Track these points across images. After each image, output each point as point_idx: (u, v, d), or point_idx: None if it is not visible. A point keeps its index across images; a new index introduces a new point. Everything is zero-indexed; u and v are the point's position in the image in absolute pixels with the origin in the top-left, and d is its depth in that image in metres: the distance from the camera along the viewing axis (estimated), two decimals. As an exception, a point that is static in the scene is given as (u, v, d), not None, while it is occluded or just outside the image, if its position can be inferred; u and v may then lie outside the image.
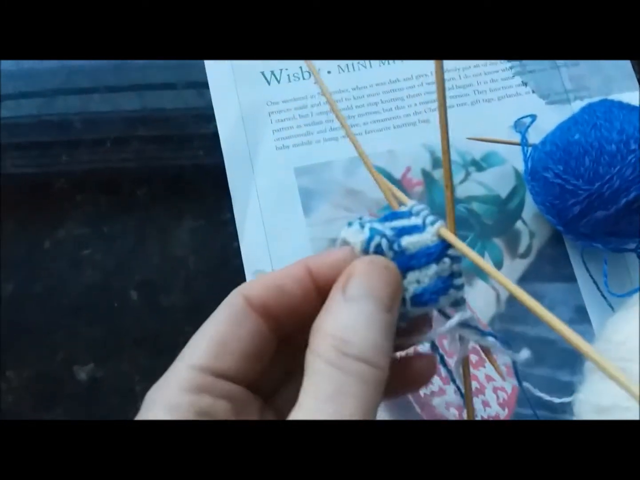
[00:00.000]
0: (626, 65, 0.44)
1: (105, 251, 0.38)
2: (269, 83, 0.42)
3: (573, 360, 0.35)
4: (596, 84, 0.43)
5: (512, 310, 0.38)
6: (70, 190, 0.40)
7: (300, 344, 0.21)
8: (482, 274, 0.39)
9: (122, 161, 0.41)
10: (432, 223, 0.23)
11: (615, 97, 0.40)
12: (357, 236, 0.22)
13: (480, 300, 0.38)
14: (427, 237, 0.23)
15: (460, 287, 0.22)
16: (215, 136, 0.41)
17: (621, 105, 0.35)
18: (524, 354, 0.25)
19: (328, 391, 0.19)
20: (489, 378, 0.37)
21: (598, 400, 0.32)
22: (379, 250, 0.21)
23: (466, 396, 0.27)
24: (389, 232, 0.22)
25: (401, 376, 0.24)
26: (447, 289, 0.22)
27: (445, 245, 0.22)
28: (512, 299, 0.39)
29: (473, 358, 0.37)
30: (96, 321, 0.37)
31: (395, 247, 0.22)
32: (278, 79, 0.42)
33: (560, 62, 0.43)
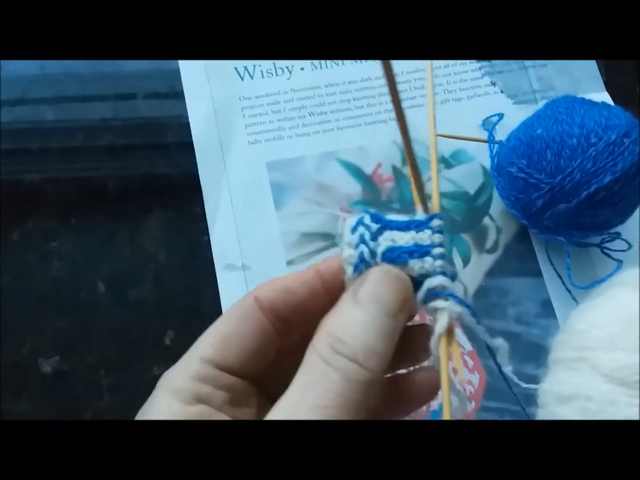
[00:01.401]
0: (592, 67, 0.45)
1: (73, 243, 0.38)
2: (242, 79, 0.43)
3: (538, 353, 0.36)
4: (563, 85, 0.44)
5: (478, 304, 0.39)
6: (40, 182, 0.39)
7: (307, 345, 0.22)
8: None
9: (92, 152, 0.41)
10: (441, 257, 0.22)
11: (582, 97, 0.41)
12: (346, 229, 0.23)
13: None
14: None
15: (438, 257, 0.22)
16: (187, 130, 0.41)
17: (583, 101, 0.35)
18: (500, 342, 0.25)
19: (312, 379, 0.20)
20: (456, 371, 0.37)
21: (561, 389, 0.32)
22: (361, 240, 0.22)
23: (443, 386, 0.24)
24: (373, 226, 0.22)
25: (405, 392, 0.25)
26: (423, 255, 0.22)
27: (429, 218, 0.23)
28: (479, 294, 0.39)
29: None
30: (63, 313, 0.37)
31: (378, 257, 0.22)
32: (251, 74, 0.43)
33: (528, 63, 0.44)
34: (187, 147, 0.41)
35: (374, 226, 0.23)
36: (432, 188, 0.24)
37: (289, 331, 0.24)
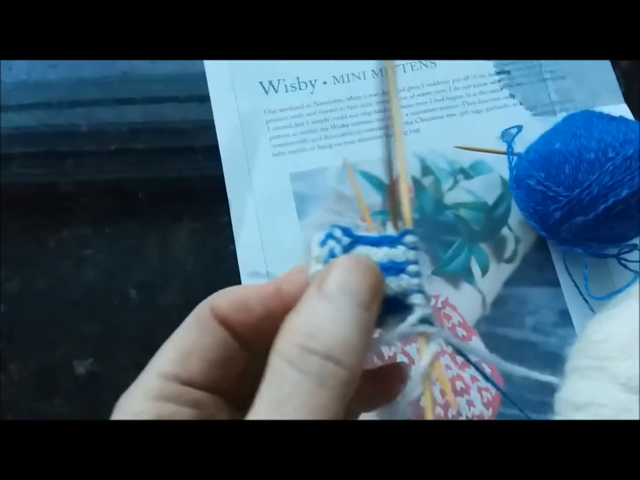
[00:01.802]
0: (611, 78, 0.45)
1: (106, 251, 0.40)
2: (267, 93, 0.44)
3: (555, 362, 0.37)
4: (581, 97, 0.45)
5: (497, 313, 0.40)
6: (75, 193, 0.41)
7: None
8: (469, 278, 0.40)
9: (125, 168, 0.42)
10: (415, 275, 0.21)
11: (600, 109, 0.41)
12: (314, 242, 0.22)
13: (466, 303, 0.40)
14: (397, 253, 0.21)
15: (414, 275, 0.21)
16: (215, 144, 0.42)
17: (601, 116, 0.36)
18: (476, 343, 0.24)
19: (282, 394, 0.17)
20: (473, 378, 0.38)
21: (576, 397, 0.33)
22: (331, 255, 0.21)
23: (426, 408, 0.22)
24: (345, 240, 0.21)
25: (372, 387, 0.23)
26: (398, 273, 0.20)
27: (402, 234, 0.21)
28: (497, 303, 0.40)
29: (459, 359, 0.39)
30: (96, 318, 0.39)
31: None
32: (276, 89, 0.44)
33: (547, 75, 0.45)
34: (214, 158, 0.42)
35: (345, 240, 0.21)
36: (403, 203, 0.22)
37: (253, 344, 0.22)
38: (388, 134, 0.22)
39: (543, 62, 0.45)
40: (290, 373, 0.18)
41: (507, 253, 0.41)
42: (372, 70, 0.45)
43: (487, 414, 0.38)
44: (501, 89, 0.45)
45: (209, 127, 0.43)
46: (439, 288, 0.40)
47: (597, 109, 0.43)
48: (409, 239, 0.21)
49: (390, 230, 0.22)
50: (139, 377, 0.21)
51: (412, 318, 0.21)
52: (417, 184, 0.42)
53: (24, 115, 0.43)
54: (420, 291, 0.21)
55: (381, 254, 0.21)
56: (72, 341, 0.38)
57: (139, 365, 0.38)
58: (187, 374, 0.20)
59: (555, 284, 0.40)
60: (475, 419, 0.38)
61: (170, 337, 0.21)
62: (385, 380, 0.23)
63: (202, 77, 0.44)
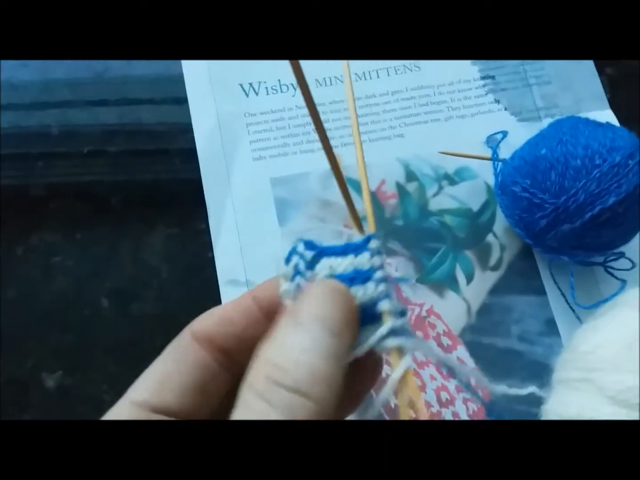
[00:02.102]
0: (596, 84, 0.45)
1: (77, 258, 0.38)
2: (247, 95, 0.43)
3: (541, 372, 0.36)
4: (567, 103, 0.44)
5: (482, 322, 0.39)
6: (45, 197, 0.40)
7: None
8: (454, 286, 0.39)
9: (98, 171, 0.41)
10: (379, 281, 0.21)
11: (585, 115, 0.41)
12: (280, 260, 0.22)
13: (450, 312, 0.39)
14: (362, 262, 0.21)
15: (380, 281, 0.20)
16: (192, 147, 0.41)
17: (587, 122, 0.36)
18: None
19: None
20: (459, 389, 0.37)
21: (563, 410, 0.32)
22: (297, 272, 0.21)
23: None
24: (308, 254, 0.21)
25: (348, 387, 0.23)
26: (365, 281, 0.20)
27: (365, 239, 0.21)
28: (482, 311, 0.39)
29: (443, 369, 0.38)
30: (67, 329, 0.37)
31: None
32: (256, 91, 0.43)
33: (532, 81, 0.45)
34: (192, 162, 0.41)
35: (309, 254, 0.21)
36: (366, 207, 0.22)
37: (236, 366, 0.22)
38: (326, 147, 0.21)
39: (528, 67, 0.45)
40: (258, 404, 0.17)
41: (493, 261, 0.40)
42: (355, 74, 0.44)
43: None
44: (486, 94, 0.44)
45: (186, 130, 0.42)
46: (423, 296, 0.39)
47: (583, 114, 0.43)
48: (373, 244, 0.21)
49: (358, 236, 0.22)
50: (113, 407, 0.21)
51: (382, 330, 0.20)
52: (401, 189, 0.42)
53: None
54: (387, 296, 0.20)
55: (345, 263, 0.21)
56: (42, 353, 0.37)
57: (111, 378, 0.36)
58: (160, 402, 0.20)
59: (541, 292, 0.39)
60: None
61: (150, 366, 0.21)
62: (359, 379, 0.22)
63: (179, 79, 0.43)
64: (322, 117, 0.43)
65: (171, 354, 0.22)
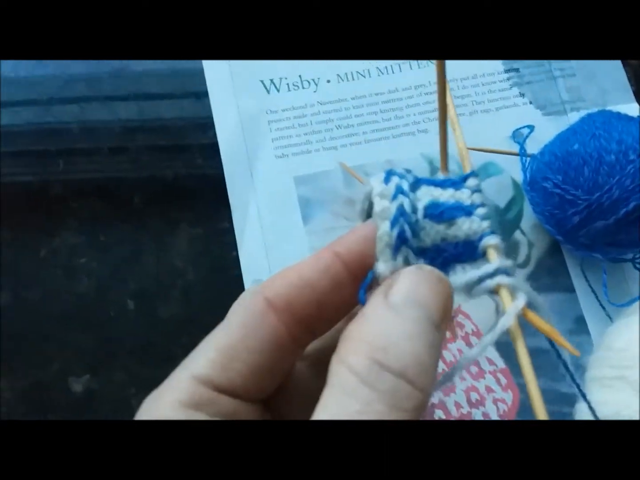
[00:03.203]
0: (622, 77, 0.44)
1: (101, 260, 0.38)
2: (268, 92, 0.42)
3: (574, 371, 0.35)
4: (592, 95, 0.44)
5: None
6: (67, 198, 0.39)
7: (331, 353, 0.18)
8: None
9: (119, 169, 0.40)
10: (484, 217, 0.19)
11: (611, 108, 0.40)
12: (375, 181, 0.19)
13: (479, 311, 0.38)
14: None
15: (485, 218, 0.19)
16: (214, 145, 0.40)
17: (619, 116, 0.35)
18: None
19: (350, 410, 0.16)
20: (489, 389, 0.37)
21: (599, 409, 0.32)
22: (399, 190, 0.18)
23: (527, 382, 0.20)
24: (409, 177, 0.19)
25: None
26: (469, 214, 0.19)
27: (463, 177, 0.20)
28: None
29: (473, 369, 0.37)
30: (91, 331, 0.37)
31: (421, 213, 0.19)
32: (278, 87, 0.42)
33: (557, 73, 0.44)
34: (214, 160, 0.40)
35: (410, 177, 0.19)
36: (460, 147, 0.21)
37: (308, 336, 0.19)
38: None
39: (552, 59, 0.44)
40: (361, 389, 0.16)
41: (521, 258, 0.39)
42: (377, 68, 0.44)
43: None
44: (510, 87, 0.43)
45: (208, 127, 0.41)
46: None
47: (608, 107, 0.42)
48: (472, 182, 0.20)
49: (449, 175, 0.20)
50: (170, 376, 0.18)
51: (490, 266, 0.18)
52: (426, 186, 0.41)
53: (10, 114, 0.41)
54: (493, 232, 0.19)
55: (447, 195, 0.19)
56: (67, 356, 0.36)
57: (138, 381, 0.36)
58: (225, 380, 0.18)
59: (570, 289, 0.39)
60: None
61: (211, 333, 0.18)
62: None
63: (200, 74, 0.42)
64: (345, 113, 0.42)
65: (240, 322, 0.18)
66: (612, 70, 0.44)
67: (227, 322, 0.19)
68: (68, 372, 0.36)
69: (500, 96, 0.43)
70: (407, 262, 0.18)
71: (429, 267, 0.18)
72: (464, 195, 0.19)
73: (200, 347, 0.18)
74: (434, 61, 0.19)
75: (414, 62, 0.44)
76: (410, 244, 0.18)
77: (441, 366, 0.38)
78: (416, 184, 0.19)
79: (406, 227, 0.18)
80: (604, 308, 0.37)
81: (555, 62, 0.44)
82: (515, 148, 0.41)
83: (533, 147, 0.40)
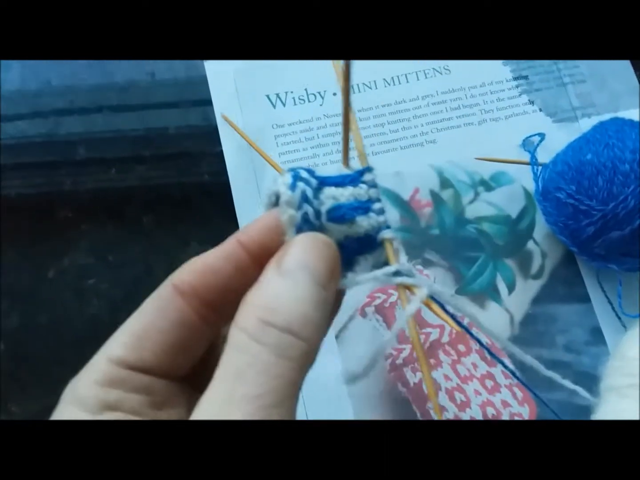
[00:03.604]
0: (632, 81, 0.44)
1: (111, 280, 0.38)
2: (274, 106, 0.42)
3: (589, 382, 0.35)
4: (603, 101, 0.43)
5: (526, 332, 0.38)
6: (75, 218, 0.39)
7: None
8: (495, 296, 0.38)
9: (126, 186, 0.40)
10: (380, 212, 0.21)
11: (622, 114, 0.40)
12: (282, 186, 0.20)
13: (493, 323, 0.38)
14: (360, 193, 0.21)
15: (380, 212, 0.21)
16: (221, 161, 0.40)
17: (632, 124, 0.34)
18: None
19: (242, 363, 0.17)
20: (505, 404, 0.36)
21: (616, 418, 0.31)
22: (304, 199, 0.20)
23: (424, 377, 0.23)
24: (313, 181, 0.20)
25: None
26: (366, 211, 0.21)
27: (360, 172, 0.21)
28: (526, 322, 0.38)
29: (488, 383, 0.37)
30: (102, 352, 0.36)
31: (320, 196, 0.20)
32: (283, 102, 0.42)
33: (566, 80, 0.43)
34: (223, 178, 0.40)
35: (314, 182, 0.20)
36: (356, 142, 0.22)
37: (219, 319, 0.21)
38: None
39: (562, 65, 0.44)
40: (250, 345, 0.18)
41: (534, 269, 0.39)
42: (384, 79, 0.43)
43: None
44: (519, 95, 0.43)
45: (215, 144, 0.41)
46: (463, 307, 0.38)
47: (620, 113, 0.41)
48: (368, 176, 0.21)
49: (346, 171, 0.21)
50: (89, 362, 0.20)
51: (388, 269, 0.21)
52: (435, 197, 0.40)
53: (14, 128, 0.41)
54: (388, 227, 0.21)
55: (347, 194, 0.21)
56: (78, 378, 0.36)
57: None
58: (137, 359, 0.19)
59: (585, 299, 0.38)
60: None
61: (127, 321, 0.20)
62: None
63: (205, 91, 0.42)
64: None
65: (150, 307, 0.20)
66: (622, 75, 0.44)
67: (140, 308, 0.20)
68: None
69: (510, 104, 0.43)
70: None
71: (315, 234, 0.20)
72: (362, 191, 0.21)
73: (116, 332, 0.20)
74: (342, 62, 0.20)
75: (420, 73, 0.43)
76: None
77: (455, 380, 0.37)
78: (320, 185, 0.20)
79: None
80: (619, 318, 0.37)
81: (565, 69, 0.44)
82: (526, 156, 0.40)
83: (544, 154, 0.40)
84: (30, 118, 0.41)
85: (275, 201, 0.21)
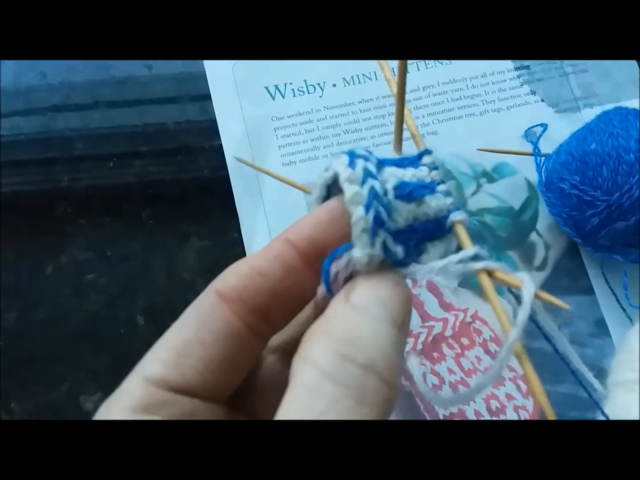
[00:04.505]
0: (634, 71, 0.43)
1: (109, 276, 0.37)
2: (273, 98, 0.41)
3: (596, 375, 0.34)
4: (605, 91, 0.42)
5: (530, 325, 0.37)
6: (73, 213, 0.38)
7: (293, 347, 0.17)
8: (499, 289, 0.38)
9: (124, 181, 0.40)
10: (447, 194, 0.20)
11: (625, 103, 0.39)
12: (341, 165, 0.19)
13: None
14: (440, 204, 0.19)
15: (447, 194, 0.19)
16: (220, 155, 0.40)
17: (637, 113, 0.34)
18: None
19: (315, 410, 0.15)
20: (509, 397, 0.36)
21: (625, 413, 0.31)
22: (367, 174, 0.18)
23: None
24: (373, 158, 0.19)
25: None
26: (433, 191, 0.19)
27: (419, 154, 0.20)
28: (530, 315, 0.37)
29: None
30: (102, 349, 0.36)
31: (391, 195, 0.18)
32: (283, 93, 0.41)
33: (568, 70, 0.43)
34: (222, 172, 0.39)
35: (373, 158, 0.19)
36: (409, 125, 0.21)
37: (268, 329, 0.19)
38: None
39: (564, 55, 0.43)
40: (325, 385, 0.15)
41: (537, 260, 0.38)
42: (384, 70, 0.43)
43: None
44: (521, 85, 0.42)
45: (214, 137, 0.40)
46: (467, 301, 0.37)
47: (622, 103, 0.41)
48: (427, 159, 0.20)
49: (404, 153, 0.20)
50: (124, 382, 0.17)
51: (469, 252, 0.19)
52: (437, 190, 0.40)
53: (12, 124, 0.40)
54: (458, 208, 0.19)
55: (409, 174, 0.19)
56: (78, 375, 0.36)
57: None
58: (179, 378, 0.17)
59: (589, 291, 0.38)
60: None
61: (165, 333, 0.18)
62: None
63: (204, 85, 0.41)
64: (352, 117, 0.42)
65: (191, 318, 0.18)
66: (625, 65, 0.43)
67: (181, 319, 0.18)
68: (79, 391, 0.35)
69: (511, 94, 0.42)
70: (384, 247, 0.18)
71: (385, 270, 0.18)
72: (423, 173, 0.20)
73: (153, 348, 0.18)
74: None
75: (421, 63, 0.43)
76: (387, 227, 0.18)
77: (459, 374, 0.37)
78: (380, 165, 0.19)
79: (381, 210, 0.18)
80: (624, 310, 0.37)
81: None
82: (528, 147, 0.40)
83: (546, 145, 0.39)
84: (25, 114, 0.41)
85: (327, 193, 0.19)
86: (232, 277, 0.18)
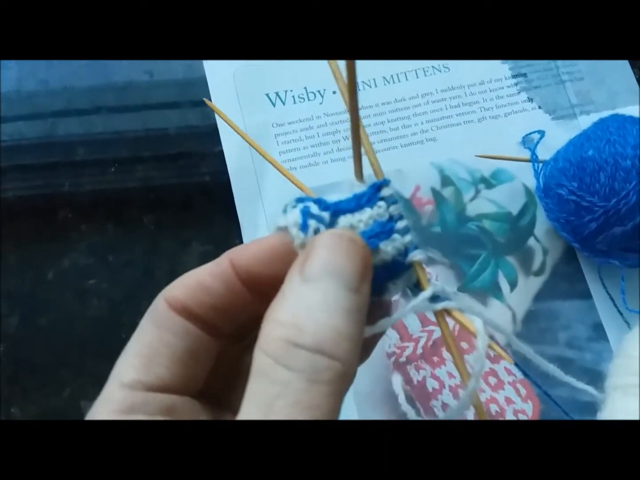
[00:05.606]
0: (630, 78, 0.44)
1: (111, 281, 0.37)
2: (274, 105, 0.42)
3: (593, 379, 0.35)
4: (601, 98, 0.43)
5: (528, 330, 0.38)
6: (75, 219, 0.39)
7: (250, 342, 0.18)
8: (497, 293, 0.38)
9: (126, 187, 0.40)
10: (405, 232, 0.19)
11: (621, 111, 0.40)
12: (291, 219, 0.19)
13: (495, 320, 0.38)
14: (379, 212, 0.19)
15: (405, 231, 0.19)
16: (222, 160, 0.40)
17: (633, 120, 0.34)
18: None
19: (271, 394, 0.15)
20: (508, 400, 0.36)
21: (626, 417, 0.31)
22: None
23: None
24: (325, 215, 0.19)
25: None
26: (389, 234, 0.19)
27: (376, 187, 0.19)
28: (528, 319, 0.38)
29: (492, 380, 0.37)
30: (104, 355, 0.36)
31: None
32: (283, 100, 0.42)
33: (564, 77, 0.43)
34: (223, 177, 0.40)
35: (326, 216, 0.18)
36: (367, 153, 0.20)
37: (221, 333, 0.20)
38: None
39: (560, 63, 0.44)
40: (277, 371, 0.16)
41: (535, 265, 0.39)
42: (383, 77, 0.43)
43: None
44: (518, 92, 0.43)
45: (215, 144, 0.41)
46: (470, 304, 0.38)
47: (618, 110, 0.41)
48: (386, 191, 0.19)
49: (359, 185, 0.20)
50: (102, 392, 0.18)
51: (425, 294, 0.19)
52: (437, 195, 0.40)
53: (13, 129, 0.40)
54: (417, 247, 0.19)
55: (365, 217, 0.19)
56: (79, 380, 0.36)
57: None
58: (153, 378, 0.18)
59: (587, 296, 0.38)
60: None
61: (128, 342, 0.19)
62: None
63: (204, 91, 0.42)
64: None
65: (149, 325, 0.19)
66: (620, 73, 0.44)
67: (139, 327, 0.19)
68: (81, 396, 0.35)
69: (509, 102, 0.43)
70: None
71: (340, 230, 0.18)
72: (381, 210, 0.19)
73: (123, 356, 0.19)
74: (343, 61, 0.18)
75: (420, 71, 0.43)
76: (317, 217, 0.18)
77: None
78: (333, 217, 0.19)
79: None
80: (622, 314, 0.37)
81: (563, 66, 0.44)
82: (525, 153, 0.40)
83: (543, 151, 0.40)
84: (27, 120, 0.41)
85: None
86: (178, 290, 0.19)
